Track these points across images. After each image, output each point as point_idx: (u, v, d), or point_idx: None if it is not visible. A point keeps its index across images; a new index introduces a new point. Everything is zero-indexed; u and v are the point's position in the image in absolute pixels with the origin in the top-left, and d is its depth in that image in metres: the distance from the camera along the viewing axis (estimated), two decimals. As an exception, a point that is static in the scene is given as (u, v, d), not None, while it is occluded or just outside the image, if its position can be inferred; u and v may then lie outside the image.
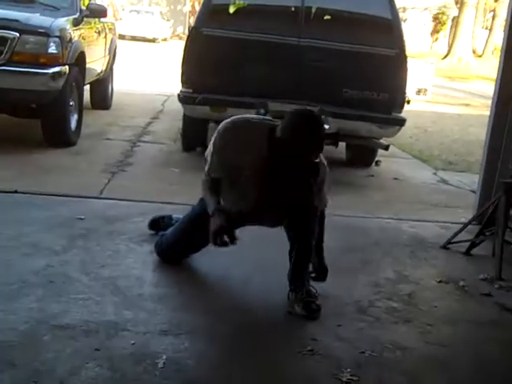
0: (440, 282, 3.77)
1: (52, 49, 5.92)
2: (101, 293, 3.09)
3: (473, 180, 5.92)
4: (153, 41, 30.85)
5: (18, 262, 3.37)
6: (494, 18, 39.75)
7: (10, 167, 5.35)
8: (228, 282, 3.50)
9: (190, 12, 36.80)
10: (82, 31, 7.05)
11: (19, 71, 5.78)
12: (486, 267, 4.00)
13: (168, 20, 35.58)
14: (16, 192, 4.55)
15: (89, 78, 7.54)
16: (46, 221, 4.04)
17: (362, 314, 3.22)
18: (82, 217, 4.16)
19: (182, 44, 6.28)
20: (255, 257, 3.78)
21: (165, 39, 33.15)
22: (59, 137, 6.29)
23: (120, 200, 4.70)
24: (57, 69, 5.94)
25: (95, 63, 7.86)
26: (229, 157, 3.17)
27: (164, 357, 2.55)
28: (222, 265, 3.64)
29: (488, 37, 38.91)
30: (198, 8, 7.64)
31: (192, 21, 7.07)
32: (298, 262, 3.28)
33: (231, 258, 3.67)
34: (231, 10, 6.14)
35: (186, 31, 8.47)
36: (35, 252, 3.50)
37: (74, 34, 6.58)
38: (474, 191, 5.58)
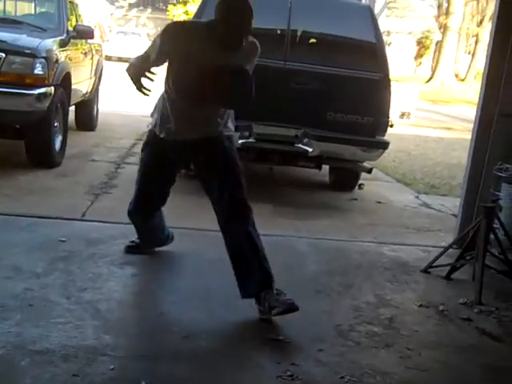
0: (420, 306, 3.79)
1: (38, 70, 5.92)
2: (81, 317, 3.08)
3: (455, 204, 5.97)
4: (139, 62, 30.89)
5: (-3, 284, 3.35)
6: (476, 42, 40.31)
7: (-8, 188, 5.32)
8: (210, 304, 3.49)
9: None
10: (69, 52, 7.07)
11: (4, 92, 5.76)
12: (467, 291, 4.03)
13: (155, 41, 35.68)
14: (-2, 213, 4.53)
15: (74, 99, 7.55)
16: (27, 243, 4.02)
17: (343, 338, 3.23)
18: (64, 239, 4.15)
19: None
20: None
21: (151, 60, 33.22)
22: (43, 158, 6.29)
23: (103, 222, 4.69)
24: (42, 90, 5.95)
25: (81, 84, 7.88)
26: (175, 43, 3.30)
27: (143, 382, 2.54)
28: (205, 287, 3.64)
29: (471, 61, 39.43)
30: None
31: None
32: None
33: (213, 281, 3.67)
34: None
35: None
36: (15, 275, 3.49)
37: (61, 55, 6.60)
38: (455, 215, 5.63)
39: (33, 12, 8.50)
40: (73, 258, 3.84)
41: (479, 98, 5.10)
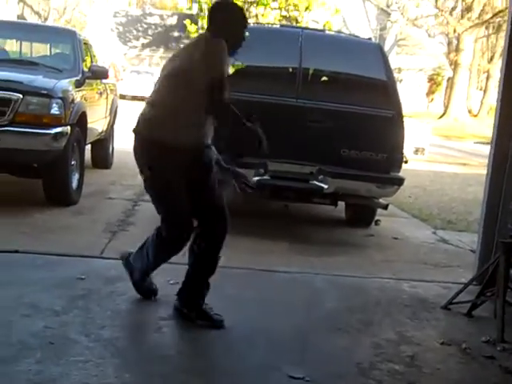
0: (442, 343, 3.74)
1: (55, 110, 6.01)
2: (101, 355, 3.06)
3: (472, 239, 5.93)
4: (153, 100, 31.25)
5: (17, 323, 3.35)
6: (488, 78, 40.57)
7: (11, 226, 5.36)
8: (229, 341, 3.47)
9: (189, 72, 37.38)
10: (84, 92, 7.18)
11: (22, 132, 5.85)
12: (488, 329, 3.97)
13: (168, 80, 36.13)
14: (17, 252, 4.56)
15: (90, 138, 7.64)
16: (46, 281, 4.03)
17: (364, 376, 3.18)
18: (83, 277, 4.15)
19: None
20: (257, 316, 3.76)
21: (164, 99, 33.59)
22: (61, 196, 6.34)
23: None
24: (59, 129, 6.03)
25: (96, 123, 7.97)
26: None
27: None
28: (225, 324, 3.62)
29: (483, 97, 39.63)
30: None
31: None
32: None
33: (230, 317, 3.66)
34: (230, 71, 6.27)
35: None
36: (35, 313, 3.49)
37: (76, 95, 6.70)
38: (473, 251, 5.58)
39: (48, 53, 8.69)
40: (91, 296, 3.84)
41: (493, 133, 5.11)
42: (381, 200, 6.32)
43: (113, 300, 3.82)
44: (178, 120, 3.49)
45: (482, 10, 33.10)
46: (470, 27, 32.62)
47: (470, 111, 37.43)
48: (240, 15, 3.82)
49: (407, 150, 9.19)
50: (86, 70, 7.46)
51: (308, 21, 28.97)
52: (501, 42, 33.31)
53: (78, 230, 5.57)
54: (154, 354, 3.18)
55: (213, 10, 3.80)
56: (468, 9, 33.24)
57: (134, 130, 3.60)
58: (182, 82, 3.47)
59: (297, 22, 28.39)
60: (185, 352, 3.28)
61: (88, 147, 8.08)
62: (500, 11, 29.46)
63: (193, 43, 3.82)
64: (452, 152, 19.28)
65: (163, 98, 3.58)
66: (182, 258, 3.74)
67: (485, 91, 40.33)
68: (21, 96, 5.83)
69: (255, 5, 29.25)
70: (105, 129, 8.73)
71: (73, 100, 6.49)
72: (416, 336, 3.82)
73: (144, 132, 3.55)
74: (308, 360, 3.31)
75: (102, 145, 9.00)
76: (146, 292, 3.91)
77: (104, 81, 8.48)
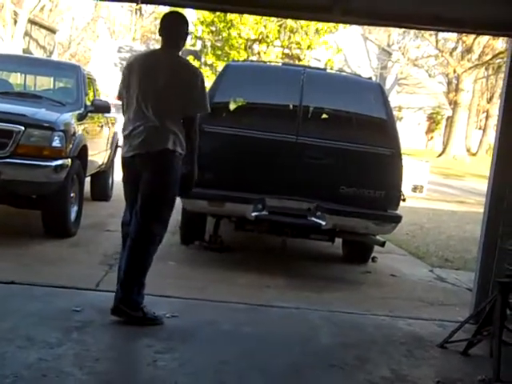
0: (438, 382, 3.71)
1: (56, 142, 6.07)
2: (94, 388, 3.05)
3: (469, 277, 5.93)
4: (154, 134, 31.44)
5: (11, 354, 3.34)
6: (487, 118, 40.93)
7: (8, 257, 5.37)
8: (224, 377, 3.45)
9: (191, 107, 37.69)
10: (86, 125, 7.26)
11: (23, 163, 5.90)
12: (484, 368, 3.95)
13: (169, 114, 36.39)
14: (13, 283, 4.56)
15: (90, 170, 7.69)
16: (41, 312, 4.03)
17: (359, 414, 3.17)
18: (78, 309, 4.15)
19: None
20: (253, 352, 3.75)
21: (166, 133, 33.79)
22: (59, 228, 6.36)
23: (116, 292, 4.68)
24: (60, 162, 6.08)
25: (97, 156, 8.04)
26: None
27: None
28: (219, 359, 3.61)
29: (482, 136, 39.94)
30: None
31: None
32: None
33: (226, 353, 3.64)
34: (232, 107, 6.36)
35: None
36: (29, 345, 3.48)
37: (78, 129, 6.78)
38: (470, 289, 5.58)
39: (52, 87, 8.80)
40: (86, 328, 3.83)
41: (490, 172, 5.15)
42: (378, 237, 6.34)
43: (108, 332, 3.82)
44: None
45: (481, 52, 33.54)
46: (470, 68, 33.03)
47: (468, 150, 37.66)
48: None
49: (405, 188, 9.25)
50: (88, 104, 7.55)
51: (310, 59, 29.37)
52: (500, 83, 33.69)
53: (74, 262, 5.57)
54: (147, 388, 3.16)
55: (178, 22, 4.31)
56: (468, 50, 33.68)
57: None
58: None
59: (299, 60, 28.78)
60: (179, 386, 3.26)
61: (88, 179, 8.13)
62: (500, 52, 29.86)
63: (166, 62, 4.21)
64: (450, 190, 19.34)
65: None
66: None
67: (484, 130, 40.69)
68: (23, 128, 5.89)
69: (258, 42, 29.68)
70: (105, 161, 8.79)
71: (74, 133, 6.56)
72: (411, 374, 3.80)
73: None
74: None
75: (102, 177, 9.06)
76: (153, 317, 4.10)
77: (106, 115, 8.57)
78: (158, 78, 4.11)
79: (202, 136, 6.00)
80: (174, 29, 4.27)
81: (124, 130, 4.24)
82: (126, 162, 4.25)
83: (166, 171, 4.11)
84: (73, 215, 6.60)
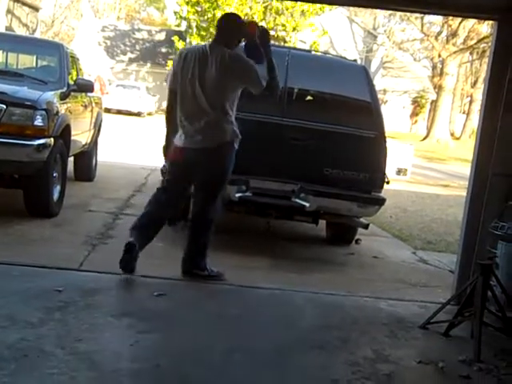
0: (419, 362, 3.75)
1: (38, 121, 5.99)
2: (76, 368, 3.04)
3: (452, 260, 5.97)
4: (138, 115, 31.31)
5: (-8, 334, 3.32)
6: (471, 103, 41.12)
7: (-10, 237, 5.32)
8: (208, 357, 3.45)
9: (175, 88, 37.48)
10: (69, 105, 7.17)
11: (4, 142, 5.82)
12: (465, 348, 3.99)
13: (154, 95, 36.23)
14: (-6, 262, 4.52)
15: (73, 151, 7.62)
16: (23, 292, 4.00)
17: (341, 394, 3.19)
18: (61, 289, 4.12)
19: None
20: (236, 333, 3.76)
21: (150, 113, 33.67)
22: (41, 207, 6.30)
23: (100, 273, 4.68)
24: (42, 141, 6.00)
25: (80, 136, 7.96)
26: None
27: None
28: (203, 340, 3.61)
29: (465, 121, 40.15)
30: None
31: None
32: None
33: (211, 334, 3.64)
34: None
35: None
36: (10, 325, 3.45)
37: (61, 108, 6.69)
38: (452, 271, 5.63)
39: (34, 65, 8.69)
40: (69, 309, 3.82)
41: (473, 157, 5.18)
42: (362, 219, 6.36)
43: (90, 313, 3.80)
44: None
45: (466, 36, 33.59)
46: (455, 52, 33.08)
47: (452, 134, 37.86)
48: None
49: (390, 171, 9.27)
50: (71, 83, 7.46)
51: (296, 41, 29.25)
52: (484, 68, 33.85)
53: (57, 242, 5.53)
54: (130, 368, 3.16)
55: (228, 25, 4.77)
56: (453, 34, 33.70)
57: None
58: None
59: (285, 42, 28.65)
60: (162, 366, 3.26)
61: (71, 159, 8.06)
62: (484, 37, 29.93)
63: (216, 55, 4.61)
64: (434, 173, 19.45)
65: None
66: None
67: (467, 115, 40.89)
68: (4, 107, 5.80)
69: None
70: (88, 141, 8.72)
71: (57, 112, 6.48)
72: (393, 355, 3.83)
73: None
74: (285, 377, 3.30)
75: (85, 157, 8.98)
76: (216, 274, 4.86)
77: (89, 94, 8.49)
78: (211, 71, 4.57)
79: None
80: (225, 30, 4.73)
81: (180, 121, 4.69)
82: (184, 153, 4.71)
83: (226, 161, 4.75)
84: (55, 195, 6.54)
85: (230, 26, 4.76)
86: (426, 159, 24.50)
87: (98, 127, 9.40)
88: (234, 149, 4.77)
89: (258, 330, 4.00)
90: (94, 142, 9.25)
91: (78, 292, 4.14)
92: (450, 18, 27.31)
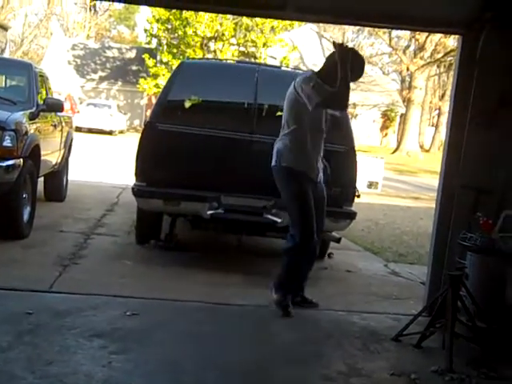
0: (392, 374, 3.78)
1: (7, 142, 5.95)
2: (47, 391, 3.00)
3: (423, 271, 6.02)
4: (110, 133, 31.16)
5: (-39, 359, 3.26)
6: (439, 115, 41.67)
7: (-42, 260, 5.24)
8: (179, 377, 3.44)
9: (146, 105, 37.50)
10: (38, 125, 7.13)
11: (-27, 164, 5.76)
12: (437, 359, 4.03)
13: (125, 113, 36.13)
14: (-37, 286, 4.46)
15: (43, 171, 7.56)
16: (-8, 316, 3.94)
17: (315, 409, 3.19)
18: (31, 311, 4.08)
19: (139, 137, 6.37)
20: (210, 351, 3.74)
21: (122, 132, 33.54)
22: (11, 229, 6.22)
23: (70, 294, 4.64)
24: (11, 162, 5.95)
25: (50, 156, 7.91)
26: None
27: None
28: (174, 359, 3.60)
29: (434, 133, 40.69)
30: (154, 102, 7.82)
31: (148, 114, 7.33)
32: None
33: (183, 353, 3.63)
34: (186, 105, 6.33)
35: (143, 124, 8.64)
36: (-20, 349, 3.41)
37: (30, 128, 6.65)
38: (423, 283, 5.68)
39: (3, 85, 8.62)
40: (39, 331, 3.77)
41: (441, 169, 5.26)
42: (334, 233, 6.39)
43: (61, 335, 3.76)
44: None
45: (434, 50, 34.15)
46: (423, 66, 33.61)
47: (422, 146, 38.36)
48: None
49: (361, 184, 9.35)
50: (40, 102, 7.42)
51: (266, 57, 29.46)
52: (451, 81, 34.32)
53: (27, 263, 5.47)
54: (102, 390, 3.13)
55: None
56: (421, 48, 34.25)
57: None
58: None
59: (255, 58, 28.84)
60: (134, 387, 3.24)
61: (41, 179, 7.99)
62: (451, 50, 30.42)
63: None
64: (404, 186, 19.65)
65: None
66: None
67: (436, 127, 41.46)
68: (-28, 128, 5.75)
69: (214, 40, 29.64)
70: (59, 161, 8.65)
71: (26, 132, 6.44)
72: (366, 368, 3.85)
73: None
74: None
75: (56, 177, 8.91)
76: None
77: (59, 113, 8.44)
78: None
79: (156, 134, 6.02)
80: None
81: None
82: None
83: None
84: (25, 216, 6.48)
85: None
86: (397, 172, 24.74)
87: (68, 146, 9.35)
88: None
89: (232, 346, 3.99)
90: (64, 162, 9.19)
91: (48, 314, 4.09)
92: (417, 32, 27.72)
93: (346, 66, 4.61)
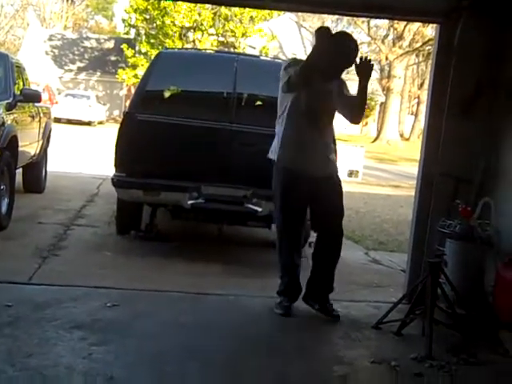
0: (373, 362, 3.80)
1: (-17, 133, 5.88)
2: (27, 384, 2.98)
3: (403, 259, 6.05)
4: (89, 124, 30.90)
5: None
6: (418, 104, 41.87)
7: None
8: (161, 368, 3.43)
9: (126, 96, 37.21)
10: (15, 115, 7.05)
11: (-52, 155, 5.69)
12: (417, 346, 4.06)
13: (104, 104, 35.84)
14: None
15: (21, 162, 7.48)
16: (-29, 309, 3.90)
17: (296, 397, 3.20)
18: (10, 304, 4.04)
19: (118, 127, 6.33)
20: (191, 341, 3.74)
21: (101, 122, 33.27)
22: (-12, 221, 6.17)
23: (50, 285, 4.61)
24: (-13, 153, 5.89)
25: (28, 147, 7.83)
26: None
27: None
28: (156, 350, 3.59)
29: (414, 121, 40.87)
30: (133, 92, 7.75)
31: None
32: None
33: (164, 343, 3.62)
34: (165, 95, 6.30)
35: (122, 115, 8.60)
36: (-42, 342, 3.37)
37: (7, 119, 6.58)
38: (403, 270, 5.72)
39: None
40: (19, 323, 3.74)
41: (420, 157, 5.29)
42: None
43: (41, 327, 3.74)
44: None
45: (412, 39, 34.26)
46: (401, 55, 33.71)
47: (401, 135, 38.52)
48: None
49: (341, 173, 9.34)
50: (17, 93, 7.33)
51: (245, 47, 29.36)
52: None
53: (6, 255, 5.42)
54: (83, 382, 3.11)
55: None
56: (399, 37, 34.35)
57: None
58: None
59: (234, 47, 28.73)
60: (115, 378, 3.22)
61: (19, 171, 7.91)
62: (429, 40, 30.55)
63: None
64: (385, 174, 19.75)
65: None
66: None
67: (416, 116, 41.65)
68: None
69: (193, 30, 29.46)
70: (37, 152, 8.57)
71: (3, 123, 6.37)
72: (348, 356, 3.87)
73: None
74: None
75: (34, 168, 8.82)
76: None
77: (37, 104, 8.35)
78: None
79: (135, 125, 5.98)
80: None
81: None
82: None
83: None
84: (4, 208, 6.41)
85: None
86: (377, 160, 24.85)
87: (46, 137, 9.25)
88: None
89: (213, 337, 3.99)
90: (43, 153, 9.09)
91: (28, 306, 4.06)
92: (396, 21, 27.79)
93: (315, 49, 4.42)
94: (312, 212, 4.73)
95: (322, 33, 4.42)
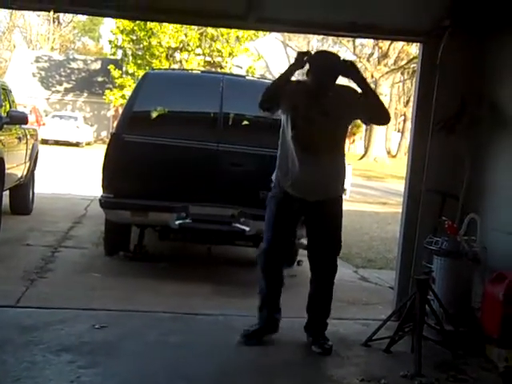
0: (362, 380, 3.79)
1: (-31, 156, 5.87)
2: (14, 408, 2.96)
3: (391, 276, 6.06)
4: (76, 145, 30.87)
5: None
6: (405, 121, 42.18)
7: None
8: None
9: (113, 116, 37.23)
10: (2, 138, 7.06)
11: None
12: (407, 363, 4.06)
13: (92, 125, 35.83)
14: None
15: (8, 184, 7.47)
16: (-43, 333, 3.87)
17: (286, 416, 3.19)
18: (-3, 327, 4.02)
19: (105, 148, 6.33)
20: (179, 361, 3.73)
21: (89, 143, 33.25)
22: (-25, 244, 6.14)
23: (38, 308, 4.58)
24: (-26, 176, 5.88)
25: (15, 169, 7.82)
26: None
27: None
28: (143, 371, 3.57)
29: (401, 139, 41.17)
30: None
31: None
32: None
33: (151, 364, 3.60)
34: (152, 116, 6.32)
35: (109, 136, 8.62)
36: None
37: (-6, 141, 6.58)
38: (392, 287, 5.73)
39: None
40: (6, 347, 3.72)
41: (406, 174, 5.33)
42: (302, 240, 6.41)
43: (29, 350, 3.71)
44: None
45: (397, 57, 34.59)
46: (387, 73, 34.01)
47: (389, 152, 38.76)
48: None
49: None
50: (4, 115, 7.34)
51: (232, 66, 29.50)
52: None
53: (-7, 278, 5.39)
54: (71, 405, 3.09)
55: None
56: (384, 55, 34.67)
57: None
58: None
59: (221, 67, 28.86)
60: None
61: (6, 192, 7.88)
62: (414, 58, 30.79)
63: None
64: (372, 192, 19.81)
65: None
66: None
67: (402, 133, 41.98)
68: None
69: (179, 51, 29.59)
70: (24, 174, 8.55)
71: (-11, 146, 6.37)
72: (337, 374, 3.87)
73: None
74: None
75: (22, 190, 8.79)
76: None
77: (24, 126, 8.36)
78: None
79: (122, 145, 5.99)
80: None
81: None
82: None
83: None
84: (-10, 230, 6.39)
85: None
86: (365, 178, 24.94)
87: (34, 159, 9.25)
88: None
89: (201, 356, 3.97)
90: (30, 175, 9.08)
91: (15, 329, 4.04)
92: (380, 40, 28.08)
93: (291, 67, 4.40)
94: (308, 240, 4.69)
95: (300, 57, 4.39)
